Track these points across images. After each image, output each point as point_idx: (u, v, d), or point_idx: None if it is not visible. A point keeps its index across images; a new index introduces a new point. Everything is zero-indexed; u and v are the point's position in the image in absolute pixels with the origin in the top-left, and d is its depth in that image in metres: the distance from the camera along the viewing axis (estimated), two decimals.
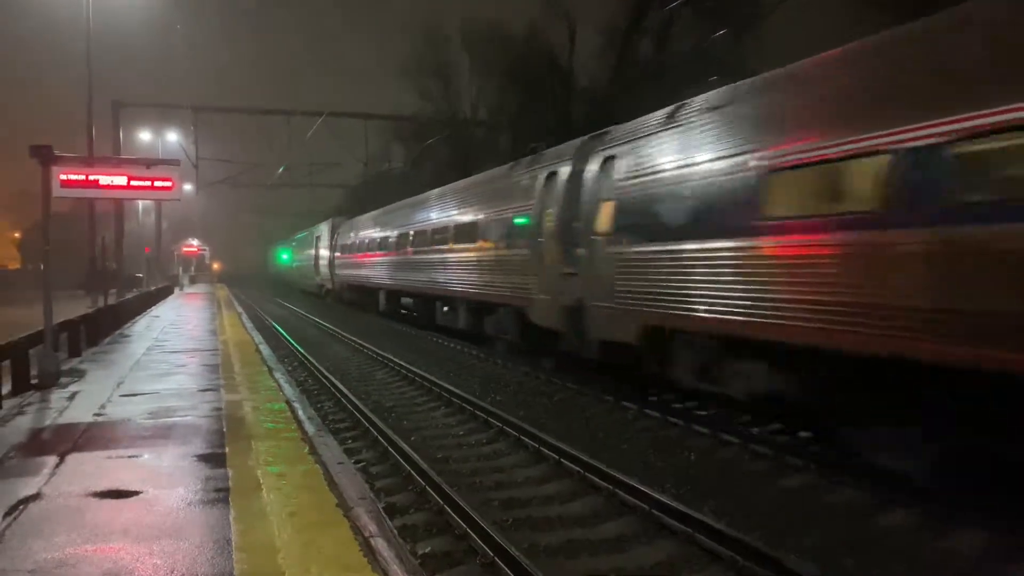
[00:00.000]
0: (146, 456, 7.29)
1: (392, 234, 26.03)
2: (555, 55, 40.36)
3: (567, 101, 39.68)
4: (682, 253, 9.33)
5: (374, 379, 15.80)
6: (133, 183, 11.64)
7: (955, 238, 5.93)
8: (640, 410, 11.35)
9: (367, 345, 20.10)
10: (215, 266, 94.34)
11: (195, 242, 71.57)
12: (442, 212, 20.63)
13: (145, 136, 39.23)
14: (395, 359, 17.00)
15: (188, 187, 37.67)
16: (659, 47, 33.11)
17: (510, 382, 14.64)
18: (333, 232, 39.51)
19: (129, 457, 7.26)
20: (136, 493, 6.10)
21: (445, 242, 19.54)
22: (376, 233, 28.87)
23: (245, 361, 14.34)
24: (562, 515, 7.25)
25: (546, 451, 9.07)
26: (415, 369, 15.43)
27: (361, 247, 31.26)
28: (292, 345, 21.09)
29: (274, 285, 72.66)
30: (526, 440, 9.65)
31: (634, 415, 11.26)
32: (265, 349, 16.76)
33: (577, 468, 8.32)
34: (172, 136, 39.89)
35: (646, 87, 32.44)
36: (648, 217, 10.15)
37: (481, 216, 17.19)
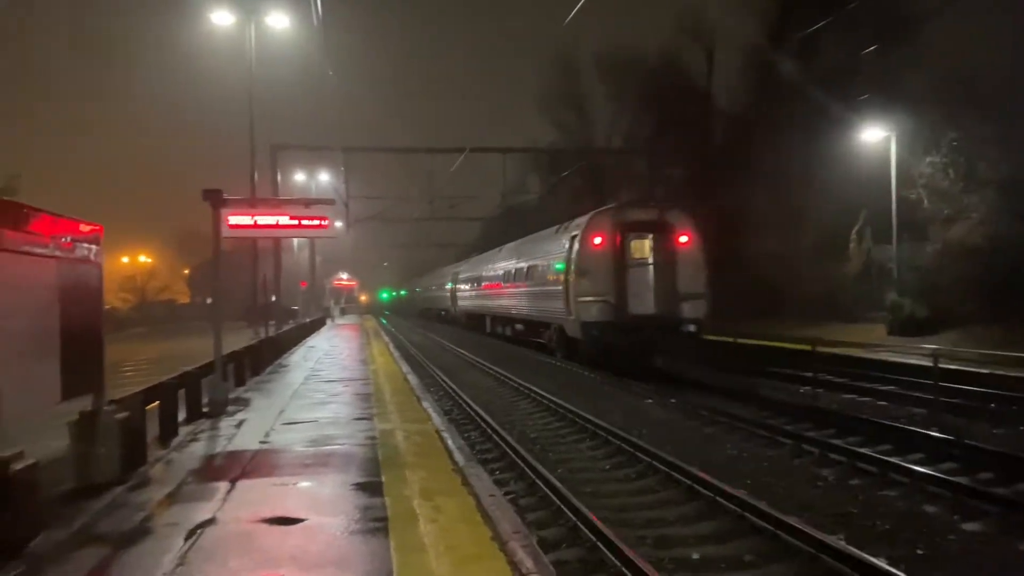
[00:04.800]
0: (307, 484, 7.57)
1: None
2: (691, 78, 39.80)
3: (705, 123, 38.98)
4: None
5: (517, 409, 15.86)
6: (293, 222, 12.24)
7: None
8: (797, 445, 10.94)
9: (506, 374, 20.28)
10: (362, 298, 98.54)
11: (345, 276, 74.87)
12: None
13: (300, 177, 41.61)
14: (536, 389, 17.02)
15: (339, 223, 39.56)
16: (804, 63, 31.87)
17: (655, 414, 14.42)
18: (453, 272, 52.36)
19: (293, 484, 7.56)
20: (300, 520, 6.32)
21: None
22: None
23: (395, 390, 14.76)
24: (722, 556, 6.93)
25: (700, 488, 8.74)
26: (557, 400, 15.37)
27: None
28: (436, 374, 21.59)
29: (416, 316, 75.51)
30: (677, 476, 9.35)
31: (792, 450, 10.86)
32: (412, 378, 17.20)
33: (734, 506, 7.96)
34: (324, 176, 42.12)
35: (794, 103, 31.37)
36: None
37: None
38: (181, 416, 11.23)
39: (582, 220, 22.28)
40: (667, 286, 20.52)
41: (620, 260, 20.63)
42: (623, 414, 14.23)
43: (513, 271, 30.74)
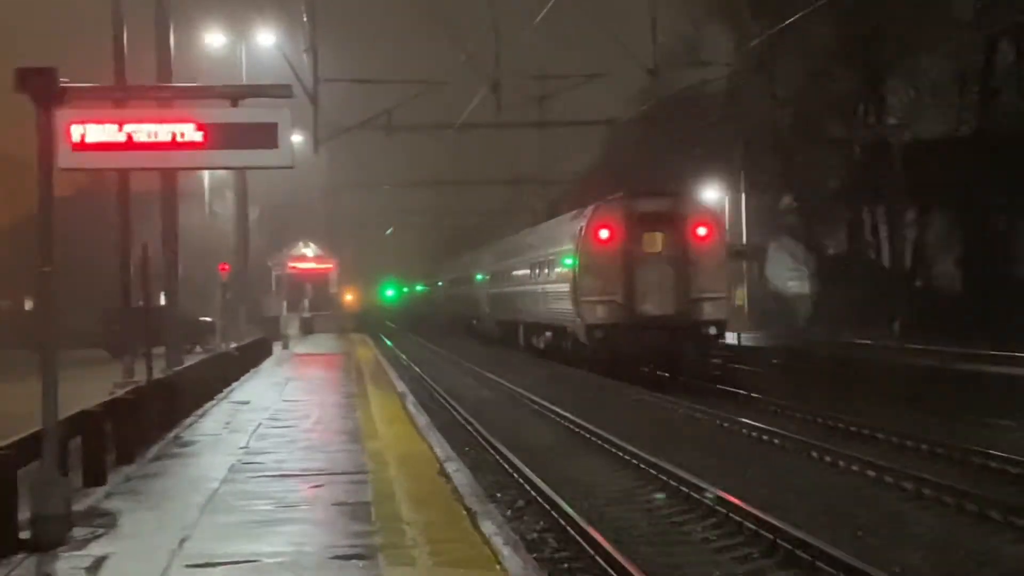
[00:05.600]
0: None
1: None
2: None
3: None
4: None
5: (687, 539, 15.96)
6: (201, 136, 12.38)
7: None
8: None
9: (655, 461, 20.51)
10: (347, 297, 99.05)
11: (311, 252, 75.28)
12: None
13: (216, 41, 42.19)
14: (724, 494, 17.03)
15: (297, 137, 40.02)
16: None
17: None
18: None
19: None
20: None
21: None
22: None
23: (421, 496, 14.92)
24: None
25: None
26: (767, 518, 15.33)
27: None
28: (507, 459, 21.86)
29: (447, 331, 77.32)
30: None
31: None
32: (458, 471, 17.29)
33: None
34: (265, 38, 42.58)
35: None
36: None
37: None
38: None
39: (588, 210, 39.36)
40: (683, 284, 36.00)
41: (629, 255, 36.39)
42: (922, 552, 14.33)
43: (539, 261, 49.64)
